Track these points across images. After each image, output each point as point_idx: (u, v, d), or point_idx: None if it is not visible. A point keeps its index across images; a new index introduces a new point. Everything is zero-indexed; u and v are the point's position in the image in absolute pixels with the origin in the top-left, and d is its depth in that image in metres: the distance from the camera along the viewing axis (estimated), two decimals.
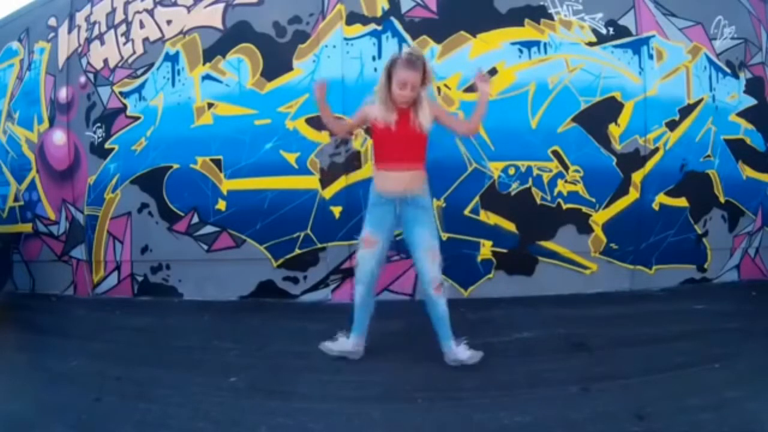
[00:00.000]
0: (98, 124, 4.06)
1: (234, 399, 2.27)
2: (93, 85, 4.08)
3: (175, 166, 3.87)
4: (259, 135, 3.69)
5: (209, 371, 2.58)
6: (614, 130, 3.65)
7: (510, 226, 3.67)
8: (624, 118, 3.65)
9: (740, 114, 3.89)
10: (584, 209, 3.69)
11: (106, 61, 4.04)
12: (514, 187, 3.65)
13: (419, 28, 3.58)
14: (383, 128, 2.37)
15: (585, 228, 3.70)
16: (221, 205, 3.80)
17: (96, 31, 4.07)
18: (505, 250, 3.69)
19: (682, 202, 3.79)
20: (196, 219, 3.87)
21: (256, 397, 2.29)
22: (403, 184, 2.37)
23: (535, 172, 3.64)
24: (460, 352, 2.44)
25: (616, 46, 3.64)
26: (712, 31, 3.80)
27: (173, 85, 3.86)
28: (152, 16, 3.91)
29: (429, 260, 2.40)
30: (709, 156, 3.82)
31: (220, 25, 3.76)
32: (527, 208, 3.64)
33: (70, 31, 4.13)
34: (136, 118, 3.95)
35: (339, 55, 3.58)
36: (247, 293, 3.86)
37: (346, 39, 3.58)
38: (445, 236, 3.55)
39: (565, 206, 3.68)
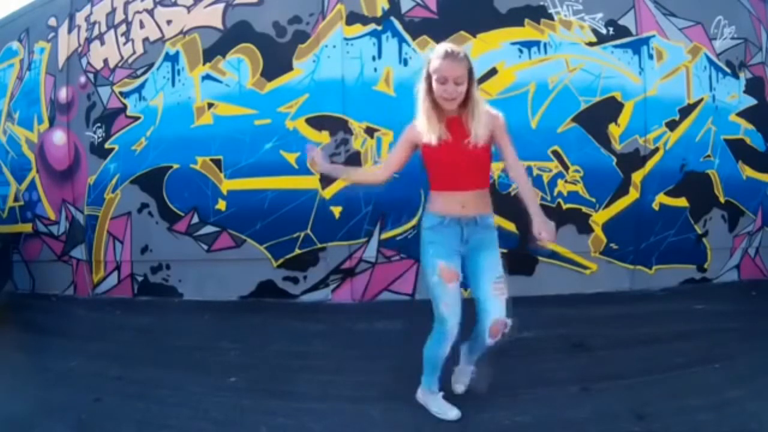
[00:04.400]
0: (98, 124, 4.06)
1: (234, 399, 2.27)
2: (93, 85, 4.07)
3: (175, 166, 3.87)
4: (259, 135, 3.69)
5: (209, 371, 2.58)
6: (614, 130, 3.65)
7: (510, 226, 3.66)
8: (624, 118, 3.65)
9: (740, 114, 3.88)
10: (584, 209, 3.69)
11: (106, 61, 4.04)
12: (514, 187, 3.64)
13: (419, 28, 3.58)
14: (434, 146, 1.89)
15: (585, 228, 3.70)
16: (221, 205, 3.80)
17: (96, 31, 4.06)
18: (505, 250, 3.65)
19: (682, 202, 3.79)
20: (196, 219, 3.87)
21: (256, 397, 2.29)
22: (469, 207, 1.98)
23: (535, 172, 3.64)
24: (461, 383, 2.22)
25: (616, 46, 3.64)
26: (712, 31, 3.80)
27: (173, 85, 3.86)
28: (152, 16, 3.91)
29: (496, 293, 1.95)
30: (709, 156, 3.82)
31: (220, 25, 3.76)
32: (527, 208, 3.63)
33: (70, 31, 4.12)
34: (136, 118, 3.95)
35: (339, 55, 3.58)
36: (247, 293, 3.85)
37: (346, 39, 3.58)
38: None
39: (565, 206, 3.68)
